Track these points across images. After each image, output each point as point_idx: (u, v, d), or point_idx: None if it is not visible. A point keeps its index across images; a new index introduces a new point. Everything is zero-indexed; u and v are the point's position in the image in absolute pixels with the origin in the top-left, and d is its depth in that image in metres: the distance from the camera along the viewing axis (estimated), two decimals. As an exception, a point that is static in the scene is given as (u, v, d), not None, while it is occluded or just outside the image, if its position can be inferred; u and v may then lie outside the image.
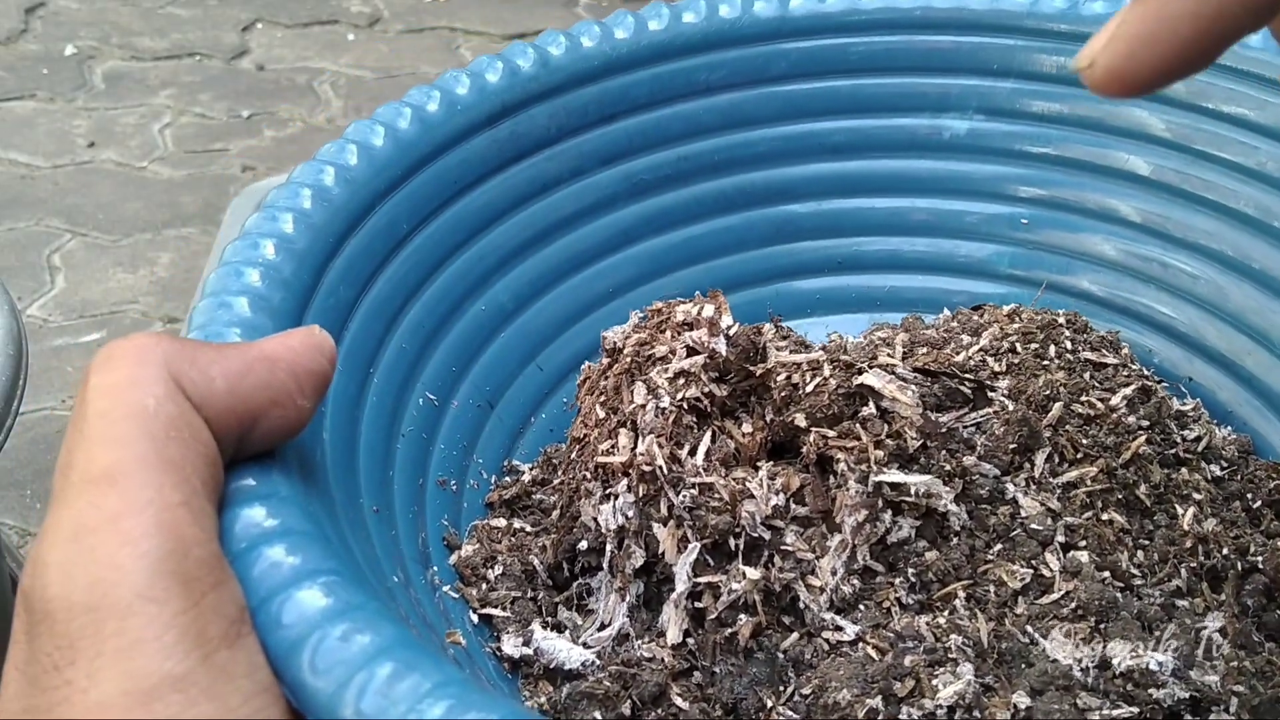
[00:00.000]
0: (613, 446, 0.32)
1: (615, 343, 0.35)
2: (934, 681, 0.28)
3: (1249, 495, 0.35)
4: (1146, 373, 0.38)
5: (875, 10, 0.44)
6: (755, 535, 0.30)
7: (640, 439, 0.32)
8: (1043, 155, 0.44)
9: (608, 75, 0.41)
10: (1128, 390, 0.36)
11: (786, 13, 0.43)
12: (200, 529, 0.20)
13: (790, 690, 0.29)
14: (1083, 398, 0.35)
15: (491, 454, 0.37)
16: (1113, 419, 0.35)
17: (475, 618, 0.32)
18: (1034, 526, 0.31)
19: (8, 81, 1.57)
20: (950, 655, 0.29)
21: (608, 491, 0.32)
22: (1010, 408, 0.34)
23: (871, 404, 0.32)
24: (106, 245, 1.31)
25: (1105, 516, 0.32)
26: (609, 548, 0.31)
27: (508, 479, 0.37)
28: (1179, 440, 0.36)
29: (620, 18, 0.42)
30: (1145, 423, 0.35)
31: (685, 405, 0.32)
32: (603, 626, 0.31)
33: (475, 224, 0.38)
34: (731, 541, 0.30)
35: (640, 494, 0.31)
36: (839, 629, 0.30)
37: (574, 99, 0.41)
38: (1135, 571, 0.32)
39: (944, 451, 0.32)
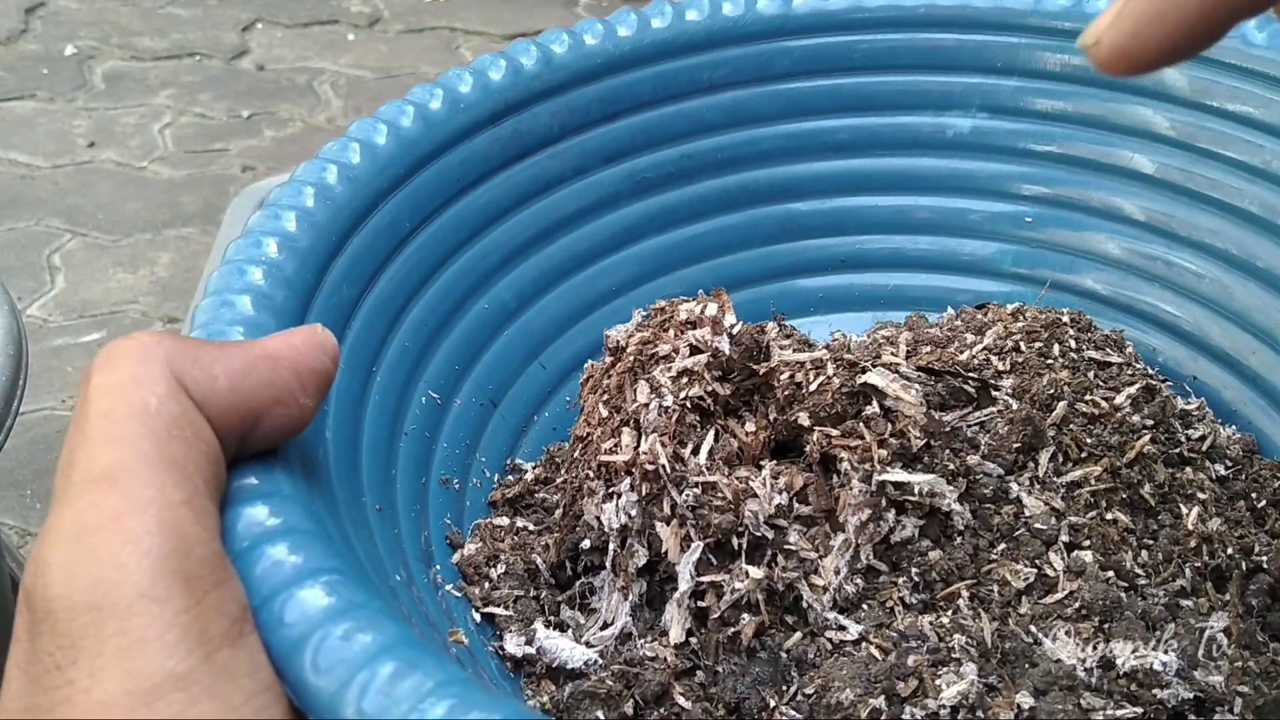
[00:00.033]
0: (616, 445, 0.32)
1: (618, 341, 0.35)
2: (937, 681, 0.28)
3: (1253, 495, 0.35)
4: (1151, 372, 0.38)
5: (879, 8, 0.44)
6: (758, 534, 0.30)
7: (643, 438, 0.31)
8: (1047, 153, 0.44)
9: (611, 73, 0.41)
10: (1132, 389, 0.36)
11: (790, 10, 0.43)
12: (202, 528, 0.20)
13: (793, 690, 0.29)
14: (1087, 397, 0.35)
15: (494, 452, 0.37)
16: (1117, 418, 0.35)
17: (478, 617, 0.32)
18: (1038, 526, 0.31)
19: (8, 81, 1.57)
20: (954, 655, 0.28)
21: (611, 490, 0.31)
22: (1014, 407, 0.34)
23: (875, 403, 0.32)
24: (106, 245, 1.31)
25: (1109, 516, 0.32)
26: (612, 547, 0.31)
27: (510, 478, 0.37)
28: (1183, 439, 0.36)
29: (623, 16, 0.42)
30: (1149, 422, 0.35)
31: (688, 404, 0.32)
32: (605, 626, 0.31)
33: (478, 222, 0.38)
34: (734, 540, 0.30)
35: (643, 493, 0.31)
36: (842, 628, 0.30)
37: (577, 97, 0.41)
38: (1139, 571, 0.31)
39: (948, 451, 0.32)
